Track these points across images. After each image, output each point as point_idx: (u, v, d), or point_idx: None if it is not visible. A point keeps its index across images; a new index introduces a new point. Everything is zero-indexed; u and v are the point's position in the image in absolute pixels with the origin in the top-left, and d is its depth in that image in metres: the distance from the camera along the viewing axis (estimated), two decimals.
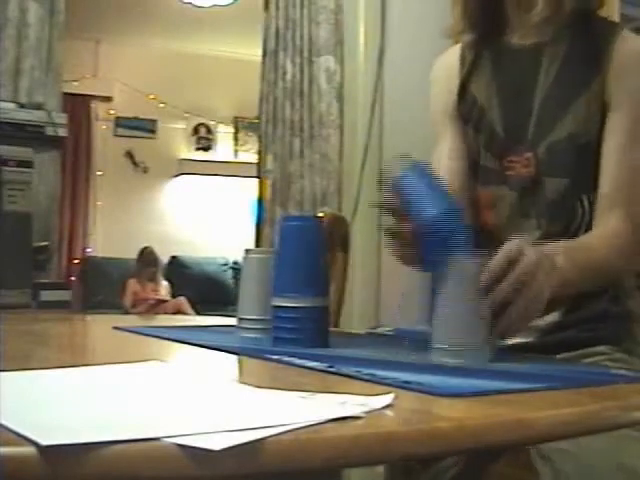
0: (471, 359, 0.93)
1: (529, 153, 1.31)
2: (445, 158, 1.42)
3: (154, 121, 7.46)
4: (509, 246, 1.00)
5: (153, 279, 6.39)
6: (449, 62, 1.46)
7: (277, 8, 3.26)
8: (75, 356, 1.17)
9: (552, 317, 1.29)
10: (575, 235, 1.27)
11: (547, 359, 1.21)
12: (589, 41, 1.30)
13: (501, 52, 1.39)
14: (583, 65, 1.29)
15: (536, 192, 1.30)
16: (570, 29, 1.32)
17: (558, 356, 1.26)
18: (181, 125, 7.60)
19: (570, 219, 1.27)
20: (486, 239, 1.37)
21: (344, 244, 1.76)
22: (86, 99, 7.14)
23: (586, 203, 1.28)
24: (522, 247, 1.00)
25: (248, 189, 6.53)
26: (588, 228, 1.28)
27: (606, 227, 1.24)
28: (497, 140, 1.35)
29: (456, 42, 1.47)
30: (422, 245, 0.98)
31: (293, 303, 1.05)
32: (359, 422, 0.58)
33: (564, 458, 1.14)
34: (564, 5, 1.31)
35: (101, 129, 7.37)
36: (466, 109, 1.40)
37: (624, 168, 1.24)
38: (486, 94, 1.38)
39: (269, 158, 3.27)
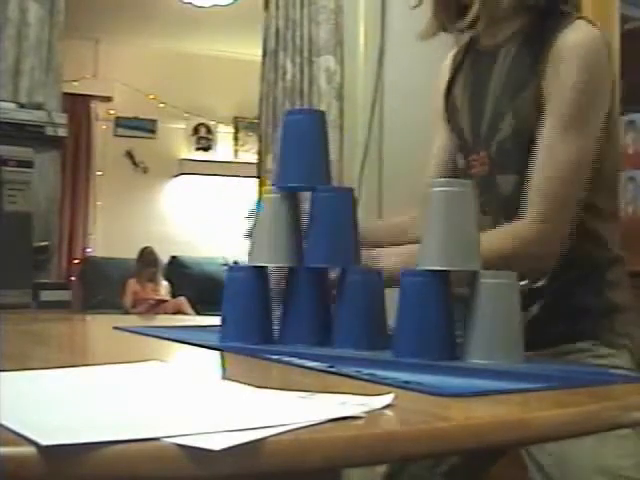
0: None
1: (484, 152, 1.34)
2: (433, 157, 1.49)
3: (154, 121, 7.46)
4: None
5: (153, 279, 6.40)
6: (446, 67, 1.49)
7: (277, 8, 3.26)
8: (75, 356, 1.17)
9: (533, 310, 1.28)
10: None
11: (547, 359, 1.22)
12: (538, 37, 1.28)
13: (475, 54, 1.41)
14: (528, 62, 1.29)
15: (491, 189, 1.32)
16: (527, 25, 1.32)
17: (541, 352, 1.25)
18: (181, 125, 7.60)
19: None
20: None
21: None
22: (86, 99, 7.14)
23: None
24: None
25: (248, 189, 6.54)
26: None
27: (517, 223, 1.22)
28: (465, 140, 1.39)
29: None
30: None
31: None
32: (359, 422, 0.58)
33: (549, 458, 1.14)
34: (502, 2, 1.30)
35: (101, 129, 7.37)
36: (448, 111, 1.44)
37: (547, 163, 1.22)
38: (460, 96, 1.42)
39: (269, 158, 3.27)
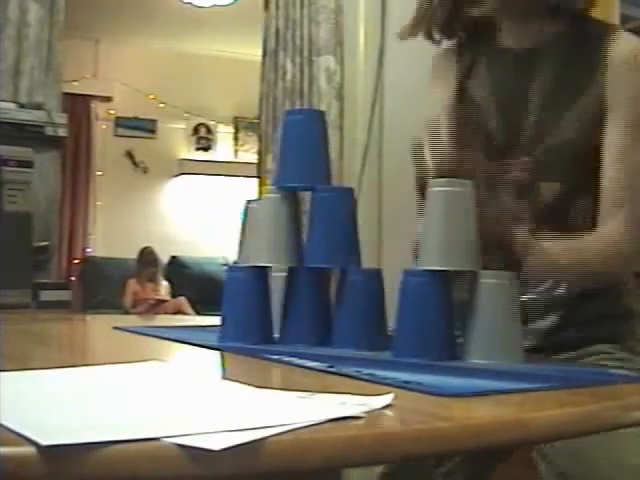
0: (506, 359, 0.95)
1: (525, 157, 1.31)
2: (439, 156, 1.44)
3: (154, 121, 7.46)
4: None
5: (153, 279, 6.40)
6: (446, 63, 1.45)
7: (277, 8, 3.26)
8: (75, 356, 1.17)
9: (552, 319, 1.29)
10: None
11: (547, 359, 1.22)
12: (584, 44, 1.29)
13: (496, 55, 1.39)
14: (579, 69, 1.29)
15: (531, 196, 1.30)
16: (564, 31, 1.32)
17: (560, 356, 1.26)
18: (181, 125, 7.60)
19: (564, 224, 1.26)
20: (484, 241, 1.38)
21: None
22: (86, 99, 7.15)
23: (581, 208, 1.27)
24: None
25: (248, 189, 6.54)
26: (584, 233, 1.27)
27: (605, 228, 1.24)
28: (494, 143, 1.35)
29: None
30: None
31: None
32: (359, 422, 0.58)
33: (564, 458, 1.14)
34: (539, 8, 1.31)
35: (101, 129, 7.37)
36: (464, 111, 1.41)
37: (625, 170, 1.23)
38: (483, 96, 1.38)
39: (269, 158, 3.27)
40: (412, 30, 1.39)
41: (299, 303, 1.11)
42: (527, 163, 1.31)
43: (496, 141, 1.35)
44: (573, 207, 1.28)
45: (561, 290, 1.29)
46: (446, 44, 1.45)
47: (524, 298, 1.31)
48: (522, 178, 1.31)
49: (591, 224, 1.25)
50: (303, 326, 1.10)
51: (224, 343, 1.09)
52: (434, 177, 1.23)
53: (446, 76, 1.44)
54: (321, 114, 1.18)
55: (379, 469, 1.40)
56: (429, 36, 1.38)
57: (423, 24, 1.37)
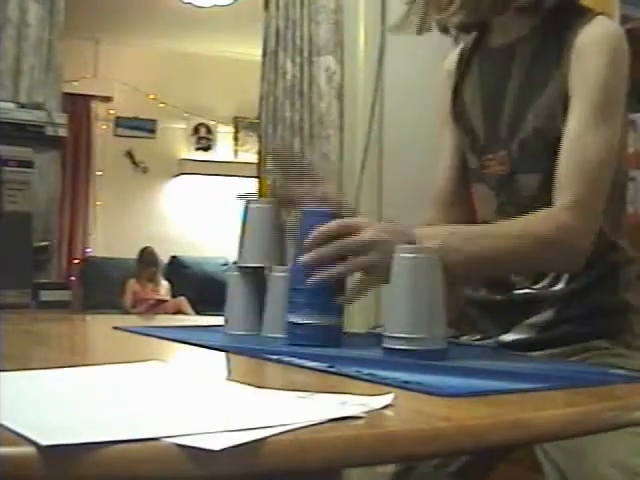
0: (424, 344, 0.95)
1: (503, 151, 1.32)
2: (443, 159, 1.47)
3: (154, 121, 7.46)
4: (349, 220, 1.08)
5: (153, 279, 6.40)
6: (449, 65, 1.48)
7: (277, 8, 3.26)
8: (75, 356, 1.17)
9: (549, 314, 1.29)
10: None
11: (547, 359, 1.22)
12: (557, 35, 1.28)
13: (485, 53, 1.40)
14: (550, 58, 1.28)
15: (511, 189, 1.31)
16: (543, 23, 1.31)
17: (556, 350, 1.26)
18: (181, 125, 7.60)
19: None
20: None
21: None
22: (86, 99, 7.14)
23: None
24: (361, 223, 1.07)
25: (248, 189, 6.53)
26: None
27: (553, 209, 1.20)
28: (477, 140, 1.37)
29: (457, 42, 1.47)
30: None
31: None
32: (359, 422, 0.58)
33: (565, 457, 1.14)
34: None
35: (101, 129, 7.37)
36: (457, 111, 1.43)
37: (578, 152, 1.21)
38: (471, 96, 1.40)
39: (269, 158, 3.27)
40: (406, 21, 1.39)
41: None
42: (505, 157, 1.32)
43: (480, 138, 1.36)
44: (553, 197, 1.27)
45: (559, 286, 1.29)
46: (461, 41, 1.46)
47: (521, 293, 1.32)
48: (500, 171, 1.31)
49: None
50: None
51: (227, 341, 1.11)
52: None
53: (447, 80, 1.46)
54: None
55: (382, 469, 1.40)
56: (445, 31, 1.38)
57: (418, 15, 1.37)
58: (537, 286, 1.30)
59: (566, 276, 1.28)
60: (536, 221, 1.18)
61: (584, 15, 1.27)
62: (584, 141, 1.21)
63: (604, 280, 1.29)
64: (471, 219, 1.40)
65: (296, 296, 1.07)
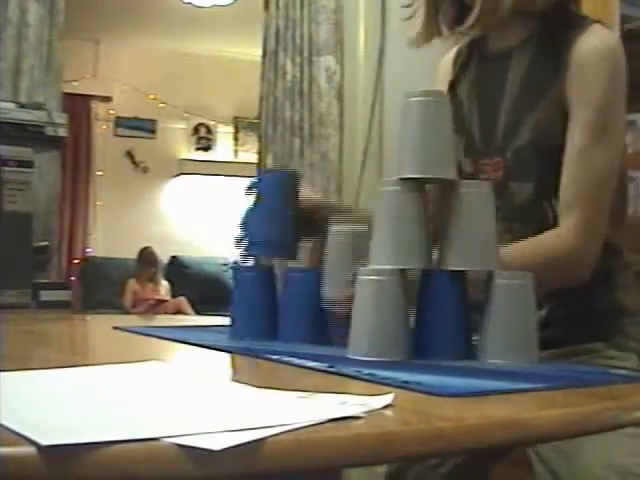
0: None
1: (498, 157, 1.31)
2: None
3: (154, 121, 7.46)
4: None
5: (153, 279, 6.40)
6: (446, 65, 1.47)
7: (277, 8, 3.26)
8: (75, 356, 1.17)
9: (540, 315, 1.28)
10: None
11: (547, 359, 1.22)
12: (554, 41, 1.27)
13: (483, 56, 1.40)
14: (545, 67, 1.27)
15: (505, 196, 1.30)
16: (540, 29, 1.31)
17: (548, 352, 1.26)
18: (181, 125, 7.60)
19: (541, 223, 1.25)
20: None
21: None
22: (86, 99, 7.14)
23: (554, 207, 1.26)
24: None
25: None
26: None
27: (558, 230, 1.22)
28: (474, 144, 1.36)
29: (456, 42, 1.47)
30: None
31: None
32: (359, 422, 0.58)
33: (557, 458, 1.14)
34: (503, 3, 1.27)
35: (101, 129, 7.37)
36: (453, 113, 1.41)
37: (582, 170, 1.21)
38: (468, 98, 1.40)
39: (269, 158, 3.27)
40: (426, 33, 1.38)
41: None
42: (500, 164, 1.31)
43: (475, 142, 1.36)
44: (546, 207, 1.27)
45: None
46: (455, 48, 1.46)
47: None
48: (495, 177, 1.30)
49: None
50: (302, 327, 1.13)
51: (234, 342, 1.11)
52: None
53: (444, 81, 1.46)
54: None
55: (381, 469, 1.40)
56: (439, 33, 1.38)
57: (434, 25, 1.36)
58: None
59: None
60: (546, 243, 1.21)
61: (580, 23, 1.26)
62: (589, 159, 1.21)
63: (598, 282, 1.28)
64: None
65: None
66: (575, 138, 1.22)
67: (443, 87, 1.45)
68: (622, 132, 1.25)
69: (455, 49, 1.47)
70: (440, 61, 1.50)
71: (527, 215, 1.25)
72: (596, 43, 1.23)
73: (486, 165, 1.33)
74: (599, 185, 1.22)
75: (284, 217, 1.20)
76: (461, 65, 1.43)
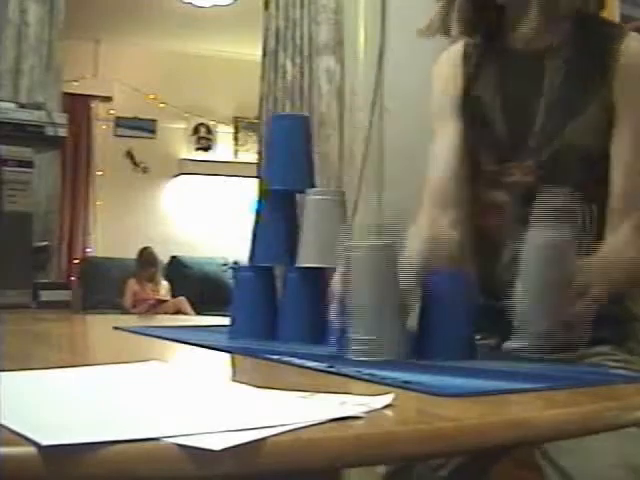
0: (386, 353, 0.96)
1: (530, 160, 1.29)
2: (445, 155, 1.39)
3: (154, 121, 7.46)
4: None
5: (153, 279, 6.39)
6: (454, 60, 1.43)
7: (277, 8, 3.26)
8: (75, 356, 1.17)
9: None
10: (578, 245, 1.26)
11: (547, 359, 1.21)
12: (593, 46, 1.28)
13: (505, 56, 1.37)
14: (588, 71, 1.28)
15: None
16: (573, 33, 1.31)
17: (558, 355, 1.25)
18: (181, 125, 7.60)
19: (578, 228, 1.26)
20: (485, 242, 1.37)
21: None
22: (86, 99, 7.14)
23: (588, 213, 1.26)
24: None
25: (248, 189, 6.53)
26: (591, 238, 1.26)
27: (617, 239, 1.22)
28: (499, 145, 1.33)
29: (453, 40, 1.45)
30: None
31: None
32: (359, 422, 0.58)
33: (567, 457, 1.13)
34: (559, 9, 1.28)
35: (101, 129, 7.36)
36: (469, 109, 1.39)
37: (633, 179, 1.23)
38: (490, 97, 1.36)
39: None
40: (440, 26, 1.37)
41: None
42: (532, 167, 1.30)
43: (502, 143, 1.33)
44: (585, 212, 1.27)
45: None
46: (459, 42, 1.44)
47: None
48: (528, 181, 1.29)
49: (598, 231, 1.24)
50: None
51: (233, 342, 1.12)
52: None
53: (453, 74, 1.43)
54: (305, 118, 1.29)
55: (381, 469, 1.40)
56: (446, 32, 1.37)
57: (447, 20, 1.36)
58: None
59: None
60: (619, 249, 1.22)
61: (616, 29, 1.29)
62: (636, 166, 1.24)
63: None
64: (466, 223, 1.38)
65: None
66: (625, 143, 1.23)
67: (454, 82, 1.41)
68: None
69: (456, 48, 1.44)
70: (437, 59, 1.47)
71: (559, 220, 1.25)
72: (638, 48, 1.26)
73: (513, 167, 1.31)
74: None
75: (303, 160, 1.22)
76: (475, 60, 1.41)
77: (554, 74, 1.30)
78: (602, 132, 1.25)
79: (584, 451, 1.11)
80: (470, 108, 1.38)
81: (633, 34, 1.28)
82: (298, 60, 3.26)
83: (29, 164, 2.32)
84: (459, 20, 1.35)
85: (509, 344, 1.30)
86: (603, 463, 1.09)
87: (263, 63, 3.31)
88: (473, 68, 1.40)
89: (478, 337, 1.34)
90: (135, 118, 7.37)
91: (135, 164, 7.43)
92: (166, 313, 5.90)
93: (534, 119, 1.30)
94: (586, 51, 1.29)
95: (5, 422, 0.51)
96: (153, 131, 7.50)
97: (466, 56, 1.41)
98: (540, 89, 1.31)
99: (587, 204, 1.25)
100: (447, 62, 1.45)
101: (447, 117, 1.41)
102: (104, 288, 6.34)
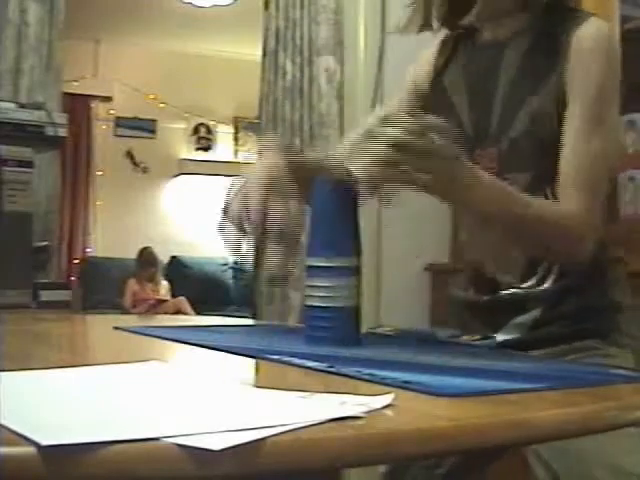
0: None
1: (492, 148, 1.32)
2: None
3: (154, 121, 7.47)
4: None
5: (153, 279, 6.40)
6: (430, 52, 1.48)
7: (277, 8, 3.26)
8: (75, 356, 1.17)
9: (536, 313, 1.29)
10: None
11: (547, 359, 1.22)
12: (549, 34, 1.29)
13: (473, 46, 1.40)
14: (543, 58, 1.28)
15: None
16: (535, 22, 1.32)
17: (546, 350, 1.26)
18: (181, 125, 7.61)
19: None
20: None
21: None
22: (86, 99, 7.15)
23: (550, 196, 1.26)
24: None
25: None
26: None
27: (560, 206, 1.22)
28: (465, 135, 1.35)
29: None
30: None
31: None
32: (359, 422, 0.58)
33: (557, 457, 1.14)
34: None
35: (101, 129, 7.37)
36: (436, 100, 1.41)
37: (582, 155, 1.22)
38: (456, 88, 1.39)
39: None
40: (416, 22, 1.39)
41: None
42: (494, 154, 1.31)
43: (467, 133, 1.35)
44: (544, 196, 1.27)
45: (546, 285, 1.29)
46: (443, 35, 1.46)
47: (508, 293, 1.32)
48: (491, 168, 1.29)
49: None
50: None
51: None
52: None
53: (428, 60, 1.46)
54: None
55: (380, 469, 1.40)
56: (427, 23, 1.38)
57: (421, 13, 1.38)
58: (524, 285, 1.30)
59: (553, 275, 1.29)
60: (560, 211, 1.21)
61: (577, 15, 1.29)
62: (587, 144, 1.22)
63: (592, 279, 1.29)
64: None
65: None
66: (574, 123, 1.23)
67: (420, 72, 1.45)
68: (617, 119, 1.26)
69: (438, 40, 1.47)
70: (423, 52, 1.50)
71: None
72: (593, 32, 1.25)
73: (479, 156, 1.33)
74: (598, 170, 1.23)
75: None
76: (449, 53, 1.43)
77: (511, 61, 1.32)
78: (554, 115, 1.25)
79: (572, 451, 1.11)
80: (437, 98, 1.41)
81: (593, 19, 1.27)
82: (298, 60, 3.26)
83: (29, 164, 2.32)
84: (437, 13, 1.37)
85: (496, 337, 1.31)
86: (590, 463, 1.10)
87: (263, 63, 3.30)
88: (445, 60, 1.43)
89: (478, 337, 1.35)
90: (135, 118, 7.38)
91: (135, 164, 7.44)
92: (166, 313, 5.90)
93: (493, 108, 1.32)
94: (544, 38, 1.30)
95: (5, 422, 0.51)
96: (153, 131, 7.51)
97: (441, 47, 1.45)
98: (498, 78, 1.33)
99: (547, 188, 1.26)
100: (424, 56, 1.49)
101: (406, 91, 1.47)
102: (104, 288, 6.35)
